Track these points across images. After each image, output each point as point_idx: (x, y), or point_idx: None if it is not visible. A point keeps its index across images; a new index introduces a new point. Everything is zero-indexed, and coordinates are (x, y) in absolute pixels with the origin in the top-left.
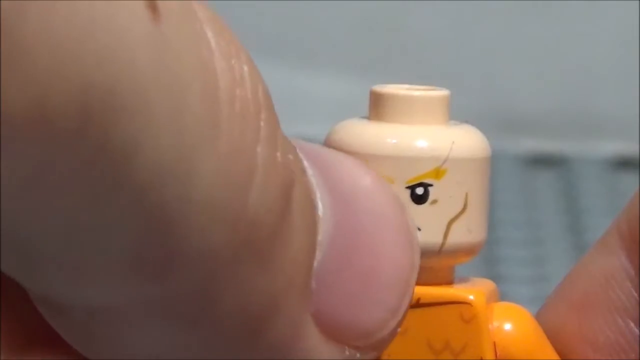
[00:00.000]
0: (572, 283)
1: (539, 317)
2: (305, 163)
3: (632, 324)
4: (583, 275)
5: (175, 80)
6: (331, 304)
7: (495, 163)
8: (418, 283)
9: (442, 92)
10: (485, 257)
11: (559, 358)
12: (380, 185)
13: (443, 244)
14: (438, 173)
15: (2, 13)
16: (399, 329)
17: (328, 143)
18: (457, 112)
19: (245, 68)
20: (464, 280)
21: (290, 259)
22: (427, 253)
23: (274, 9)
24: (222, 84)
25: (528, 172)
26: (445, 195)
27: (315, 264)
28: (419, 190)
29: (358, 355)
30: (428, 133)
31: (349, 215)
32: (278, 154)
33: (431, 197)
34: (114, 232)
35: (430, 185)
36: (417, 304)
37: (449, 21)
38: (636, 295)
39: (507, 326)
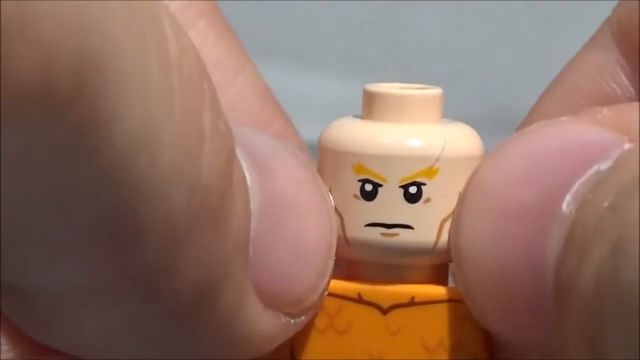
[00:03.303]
0: (564, 78)
1: (532, 113)
2: None
3: None
4: (574, 70)
5: (142, 51)
6: (266, 271)
7: None
8: (412, 282)
9: (435, 91)
10: None
11: None
12: (294, 154)
13: (436, 242)
14: (431, 172)
15: None
16: (326, 293)
17: (321, 142)
18: (456, 112)
19: (187, 40)
20: None
21: (236, 225)
22: (420, 251)
23: (271, 10)
24: (172, 53)
25: None
26: (439, 194)
27: (251, 232)
28: (412, 189)
29: (292, 321)
30: (421, 132)
31: (273, 184)
32: (221, 123)
33: (424, 196)
34: (89, 201)
35: (424, 184)
36: (411, 303)
37: (448, 22)
38: (632, 88)
39: None
